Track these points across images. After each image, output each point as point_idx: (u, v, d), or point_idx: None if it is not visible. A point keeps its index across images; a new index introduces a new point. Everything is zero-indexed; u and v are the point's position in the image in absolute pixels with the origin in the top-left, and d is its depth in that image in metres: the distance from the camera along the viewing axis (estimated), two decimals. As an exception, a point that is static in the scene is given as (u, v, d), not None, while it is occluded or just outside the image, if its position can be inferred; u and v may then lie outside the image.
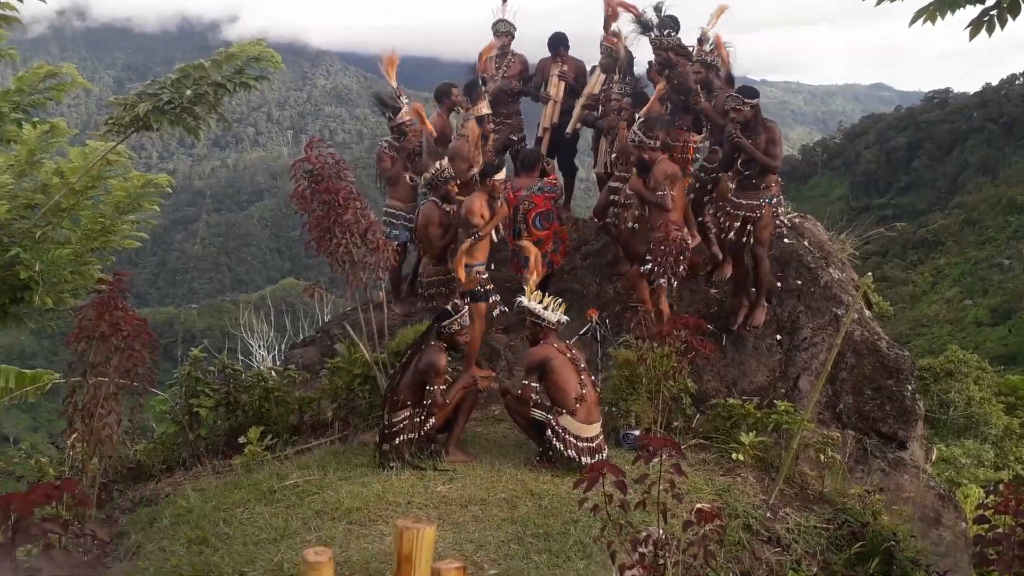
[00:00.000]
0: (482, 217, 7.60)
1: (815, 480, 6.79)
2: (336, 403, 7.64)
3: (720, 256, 8.49)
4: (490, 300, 7.80)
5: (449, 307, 6.73)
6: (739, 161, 7.79)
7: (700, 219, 8.57)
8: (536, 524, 5.52)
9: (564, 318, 6.70)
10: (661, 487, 3.89)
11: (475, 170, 8.10)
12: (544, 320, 6.57)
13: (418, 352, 6.56)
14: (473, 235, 7.61)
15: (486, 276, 7.83)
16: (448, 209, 8.15)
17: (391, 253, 7.30)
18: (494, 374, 8.12)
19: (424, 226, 8.19)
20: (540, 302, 6.62)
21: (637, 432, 6.87)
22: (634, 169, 7.92)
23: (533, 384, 6.48)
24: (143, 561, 5.34)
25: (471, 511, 5.72)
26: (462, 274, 7.48)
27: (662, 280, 7.45)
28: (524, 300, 6.65)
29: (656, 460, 3.87)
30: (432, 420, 6.45)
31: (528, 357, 6.50)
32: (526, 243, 7.80)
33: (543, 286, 7.74)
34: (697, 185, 8.55)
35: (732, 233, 7.94)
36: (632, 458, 4.20)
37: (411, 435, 6.42)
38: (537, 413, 6.50)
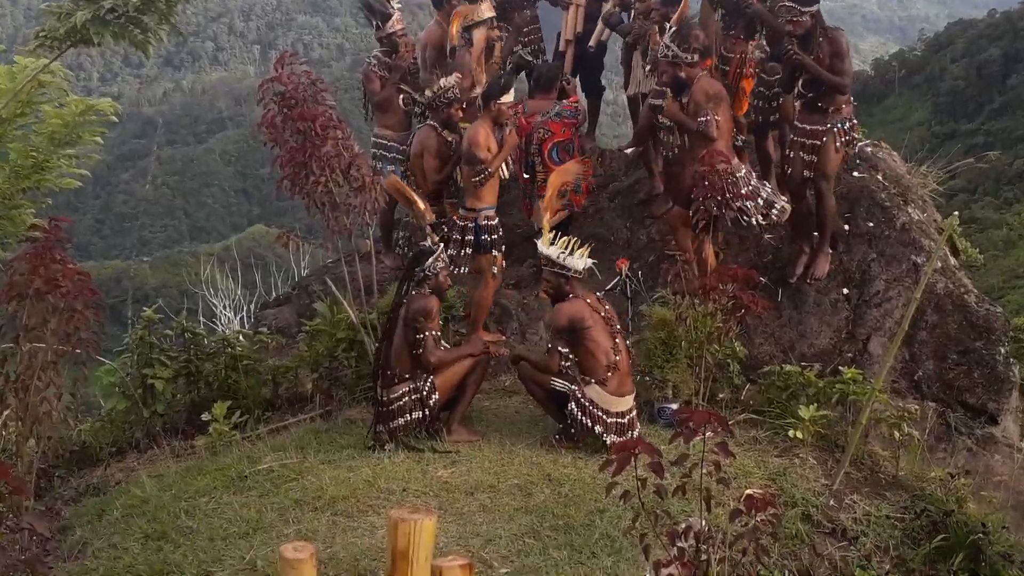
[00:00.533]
0: (488, 151, 7.59)
1: (888, 462, 6.85)
2: (317, 373, 7.70)
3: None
4: (500, 251, 7.85)
5: (425, 244, 6.79)
6: (800, 81, 7.82)
7: (761, 148, 8.64)
8: (555, 515, 5.58)
9: (590, 262, 6.74)
10: (704, 470, 3.94)
11: (477, 90, 8.16)
12: (568, 268, 6.53)
13: (399, 309, 6.62)
14: (481, 173, 7.62)
15: (496, 221, 7.86)
16: (449, 138, 8.18)
17: (380, 192, 7.29)
18: (504, 338, 8.16)
19: (418, 155, 8.26)
20: (558, 246, 6.61)
21: (675, 406, 6.94)
22: (668, 91, 7.92)
23: (561, 350, 6.53)
24: (91, 560, 5.39)
25: (478, 499, 5.80)
26: (412, 198, 7.47)
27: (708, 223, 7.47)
28: (540, 245, 6.65)
29: (698, 438, 3.92)
30: (436, 394, 6.53)
31: (557, 316, 6.49)
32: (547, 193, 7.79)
33: (562, 230, 7.72)
34: (757, 104, 8.60)
35: (792, 164, 7.95)
36: (669, 436, 4.22)
37: (416, 415, 6.52)
38: (558, 383, 6.60)
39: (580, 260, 6.56)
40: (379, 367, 6.55)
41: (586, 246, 6.67)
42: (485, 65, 8.53)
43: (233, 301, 12.12)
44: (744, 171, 7.63)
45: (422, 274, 6.63)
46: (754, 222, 7.51)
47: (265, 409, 7.61)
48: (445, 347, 6.73)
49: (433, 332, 6.50)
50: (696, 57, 7.61)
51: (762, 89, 8.56)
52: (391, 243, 9.14)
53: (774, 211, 7.64)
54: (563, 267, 6.53)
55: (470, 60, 8.44)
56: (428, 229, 7.45)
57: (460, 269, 7.61)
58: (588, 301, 6.52)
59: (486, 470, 6.20)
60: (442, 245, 6.92)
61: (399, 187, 7.66)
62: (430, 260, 6.64)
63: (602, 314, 6.54)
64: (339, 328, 7.59)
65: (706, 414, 3.84)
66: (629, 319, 7.74)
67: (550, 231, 6.81)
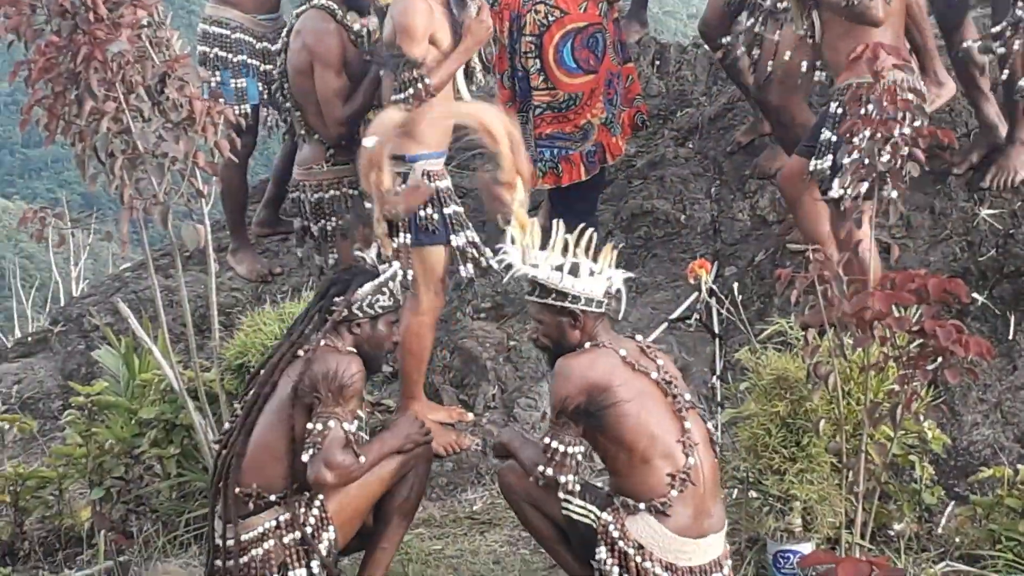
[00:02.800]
0: (433, 45, 7.10)
1: None
2: (101, 489, 7.07)
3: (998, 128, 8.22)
4: (459, 240, 7.33)
5: (364, 256, 6.49)
6: None
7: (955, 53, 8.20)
8: None
9: (620, 280, 6.13)
10: None
11: None
12: (576, 297, 5.98)
13: (281, 371, 6.05)
14: (413, 84, 7.04)
15: (446, 183, 7.30)
16: (361, 27, 7.90)
17: (224, 132, 6.58)
18: (469, 416, 7.72)
19: (303, 70, 7.81)
20: (553, 249, 6.04)
21: (807, 548, 6.29)
22: None
23: (571, 445, 5.89)
24: None
25: None
26: (382, 180, 6.99)
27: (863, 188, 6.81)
28: (517, 260, 6.13)
29: None
30: (331, 529, 5.91)
31: (560, 383, 5.94)
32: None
33: (572, 210, 7.39)
34: None
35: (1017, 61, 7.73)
36: None
37: (287, 573, 5.95)
38: (576, 507, 5.85)
39: (595, 279, 5.99)
40: (222, 479, 5.98)
41: (610, 246, 6.03)
42: None
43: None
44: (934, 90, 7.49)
45: (345, 311, 6.06)
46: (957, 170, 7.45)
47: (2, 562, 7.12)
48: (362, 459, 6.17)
49: (345, 424, 5.92)
50: None
51: None
52: (244, 231, 8.94)
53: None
54: (565, 295, 5.96)
55: None
56: (382, 229, 7.04)
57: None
58: (622, 353, 5.95)
59: None
60: (396, 267, 6.42)
61: (375, 158, 7.10)
62: (366, 288, 6.10)
63: (653, 376, 5.91)
64: (144, 400, 7.08)
65: (868, 564, 3.83)
66: (716, 377, 7.35)
67: (530, 213, 6.49)
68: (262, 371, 6.15)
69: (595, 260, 6.03)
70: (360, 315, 6.12)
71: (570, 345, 5.94)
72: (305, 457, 5.80)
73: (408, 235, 7.15)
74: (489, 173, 6.90)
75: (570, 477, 5.81)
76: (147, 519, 6.99)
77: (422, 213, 7.17)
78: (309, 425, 5.82)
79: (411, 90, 7.05)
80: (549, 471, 5.82)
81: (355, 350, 6.10)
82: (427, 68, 7.10)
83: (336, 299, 6.12)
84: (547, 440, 5.83)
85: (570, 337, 5.93)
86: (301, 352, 6.09)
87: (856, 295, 6.05)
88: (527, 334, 6.71)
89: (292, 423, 5.90)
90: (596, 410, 5.73)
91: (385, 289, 6.19)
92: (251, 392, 6.13)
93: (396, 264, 6.44)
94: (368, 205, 7.36)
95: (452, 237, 7.24)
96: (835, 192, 6.85)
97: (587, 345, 5.90)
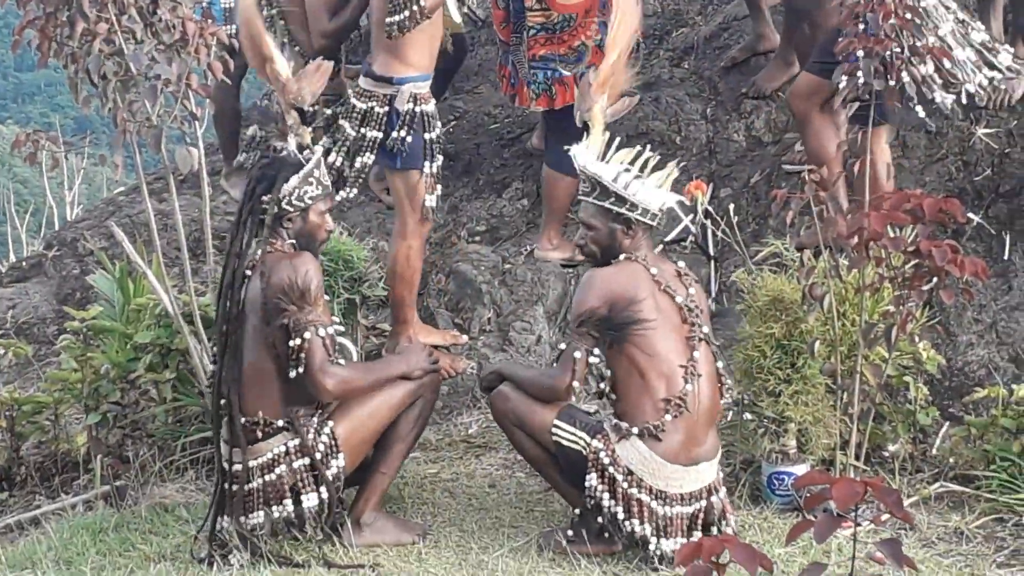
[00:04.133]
0: None
1: None
2: (97, 414, 7.07)
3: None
4: (432, 167, 7.40)
5: (285, 145, 6.57)
6: None
7: None
8: None
9: (675, 199, 6.30)
10: (861, 598, 3.80)
11: None
12: (635, 206, 6.05)
13: (238, 288, 6.08)
14: (404, 7, 7.11)
15: (432, 105, 7.37)
16: None
17: (216, 53, 6.59)
18: (465, 339, 7.82)
19: None
20: (619, 158, 6.17)
21: (801, 469, 6.39)
22: None
23: (586, 356, 5.95)
24: None
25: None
26: (277, 70, 6.89)
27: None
28: (584, 156, 6.20)
29: (847, 530, 4.24)
30: (340, 455, 5.96)
31: (585, 289, 6.09)
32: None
33: (566, 134, 7.21)
34: None
35: None
36: (790, 527, 3.65)
37: (305, 500, 6.00)
38: (565, 432, 5.96)
39: (659, 191, 6.10)
40: (222, 405, 6.01)
41: (673, 165, 6.24)
42: None
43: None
44: None
45: (276, 209, 6.02)
46: (956, 95, 6.91)
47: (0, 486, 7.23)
48: (344, 359, 6.26)
49: (321, 325, 5.92)
50: None
51: None
52: (238, 152, 8.88)
53: (999, 67, 7.10)
54: (623, 200, 6.04)
55: None
56: (293, 118, 6.86)
57: (348, 191, 7.39)
58: (654, 272, 6.02)
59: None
60: (319, 149, 6.41)
61: (255, 33, 7.08)
62: (292, 181, 6.03)
63: (678, 300, 5.99)
64: (140, 325, 7.06)
65: (861, 484, 3.48)
66: (712, 299, 7.41)
67: (603, 131, 6.47)
68: (221, 297, 6.16)
69: (654, 176, 6.13)
70: (291, 209, 6.13)
71: (616, 254, 6.06)
72: (293, 374, 5.86)
73: (375, 157, 7.25)
74: (588, 72, 7.15)
75: (576, 387, 5.92)
76: (143, 444, 7.03)
77: (397, 136, 7.21)
78: (291, 342, 5.83)
79: (406, 12, 7.06)
80: (566, 378, 5.92)
81: (296, 242, 6.12)
82: None
83: (264, 197, 6.11)
84: (566, 344, 6.01)
85: (620, 246, 6.05)
86: (248, 269, 6.07)
87: (853, 216, 6.07)
88: (575, 239, 6.78)
89: (274, 344, 5.92)
90: (617, 322, 5.86)
91: (311, 179, 6.17)
92: (223, 312, 6.12)
93: (319, 151, 6.42)
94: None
95: (425, 163, 7.28)
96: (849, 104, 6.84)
97: (621, 258, 6.02)
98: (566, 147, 6.50)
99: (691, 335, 5.99)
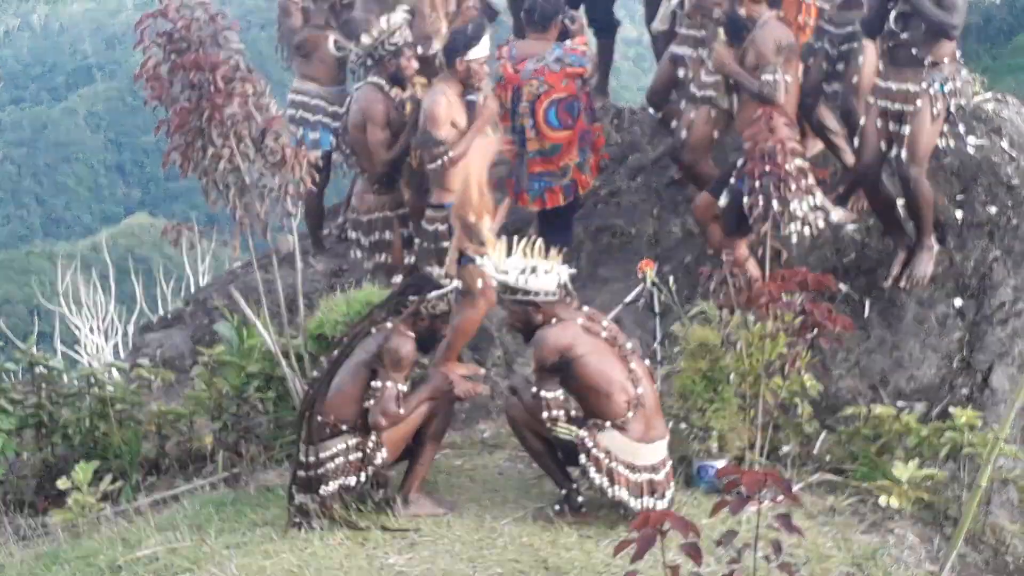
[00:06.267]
0: (453, 125, 7.78)
1: (1018, 539, 6.90)
2: (219, 422, 7.90)
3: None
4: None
5: (436, 273, 7.09)
6: (895, 13, 7.95)
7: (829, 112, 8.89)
8: (554, 619, 5.65)
9: (565, 274, 6.76)
10: (759, 553, 4.03)
11: (436, 44, 8.33)
12: (538, 294, 6.63)
13: (359, 340, 6.76)
14: (439, 158, 7.80)
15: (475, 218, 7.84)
16: (401, 98, 8.35)
17: (306, 170, 7.40)
18: (482, 371, 8.33)
19: (359, 126, 8.37)
20: (511, 262, 6.72)
21: (721, 463, 7.05)
22: (720, 31, 8.09)
23: (552, 393, 6.65)
24: None
25: (445, 599, 5.83)
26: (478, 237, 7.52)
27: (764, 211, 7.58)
28: (491, 269, 6.82)
29: (752, 508, 4.02)
30: (384, 451, 6.66)
31: (538, 350, 6.63)
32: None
33: (553, 226, 7.92)
34: (816, 47, 8.78)
35: (864, 139, 8.16)
36: (712, 504, 4.27)
37: (350, 479, 6.68)
38: (563, 430, 6.68)
39: (549, 275, 6.65)
40: (307, 407, 6.73)
41: (557, 250, 6.73)
42: (455, 8, 8.72)
43: (103, 321, 12.09)
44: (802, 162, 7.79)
45: (414, 308, 6.78)
46: (798, 232, 7.62)
47: (147, 472, 7.81)
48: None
49: (399, 385, 6.66)
50: None
51: (824, 45, 8.74)
52: (322, 239, 9.35)
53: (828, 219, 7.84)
54: (527, 292, 6.63)
55: None
56: (454, 256, 7.63)
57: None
58: (580, 322, 6.65)
59: (457, 556, 6.22)
60: (455, 284, 7.13)
61: (465, 216, 7.62)
62: (435, 294, 6.81)
63: (603, 335, 6.65)
64: (251, 359, 7.75)
65: (763, 475, 3.93)
66: (657, 343, 7.82)
67: (498, 238, 7.02)
68: (344, 338, 6.83)
69: (542, 265, 6.64)
70: (425, 312, 6.78)
71: (536, 327, 6.61)
72: (366, 405, 6.62)
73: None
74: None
75: (558, 413, 6.58)
76: (252, 443, 7.79)
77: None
78: (374, 383, 6.60)
79: (440, 161, 7.75)
80: (546, 414, 6.57)
81: (414, 335, 6.73)
82: (450, 144, 7.72)
83: (411, 297, 6.78)
84: (535, 389, 6.63)
85: (534, 321, 6.62)
86: (375, 329, 6.74)
87: (757, 284, 7.07)
88: (504, 321, 7.39)
89: (364, 378, 6.64)
90: (566, 364, 6.51)
91: (445, 298, 6.86)
92: (335, 352, 6.81)
93: (456, 282, 7.12)
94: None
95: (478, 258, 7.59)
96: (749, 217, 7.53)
97: (553, 321, 6.58)
98: (554, 235, 7.27)
99: (623, 354, 6.59)
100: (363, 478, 6.68)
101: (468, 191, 7.59)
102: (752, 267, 7.81)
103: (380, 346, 6.63)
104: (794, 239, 7.68)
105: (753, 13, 7.85)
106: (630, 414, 6.54)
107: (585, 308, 6.83)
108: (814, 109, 8.78)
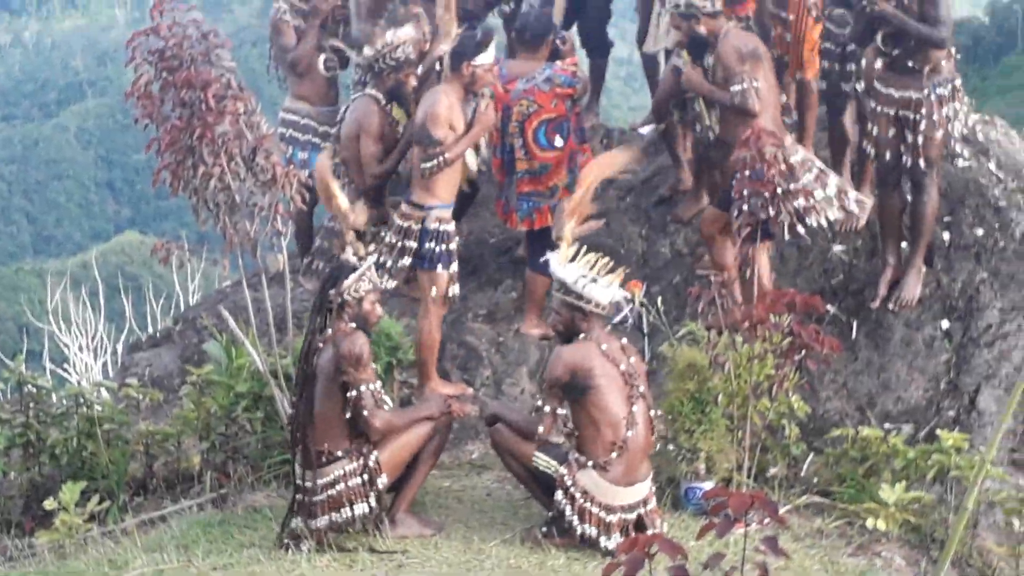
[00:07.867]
0: (451, 129, 7.79)
1: (1005, 562, 6.89)
2: (207, 442, 7.87)
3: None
4: (454, 268, 8.03)
5: (346, 257, 7.02)
6: (881, 34, 8.03)
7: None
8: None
9: (621, 295, 6.89)
10: (746, 576, 3.93)
11: (444, 47, 8.29)
12: (588, 300, 6.66)
13: (311, 354, 6.75)
14: (435, 158, 7.77)
15: (450, 226, 7.99)
16: (396, 115, 8.36)
17: (297, 189, 7.40)
18: (470, 391, 8.33)
19: (353, 137, 8.33)
20: (580, 265, 6.74)
21: (708, 485, 7.04)
22: (684, 53, 8.14)
23: (554, 409, 6.64)
24: None
25: (432, 620, 5.94)
26: (339, 204, 7.60)
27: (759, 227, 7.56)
28: (555, 263, 6.80)
29: (739, 530, 3.99)
30: (383, 476, 6.63)
31: (554, 363, 6.65)
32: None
33: (542, 246, 7.85)
34: (824, 65, 8.87)
35: (877, 145, 8.16)
36: (699, 527, 4.19)
37: (360, 508, 6.64)
38: (541, 461, 6.70)
39: (608, 290, 6.68)
40: (297, 438, 6.72)
41: (619, 271, 6.78)
42: (451, 14, 8.60)
43: (92, 339, 12.06)
44: (801, 155, 7.83)
45: (339, 300, 6.72)
46: (818, 222, 7.69)
47: (134, 493, 7.75)
48: (388, 406, 6.86)
49: (371, 385, 6.62)
50: (719, 4, 7.83)
51: (829, 45, 8.79)
52: (311, 258, 9.21)
53: (848, 204, 7.81)
54: (581, 296, 6.65)
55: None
56: (350, 236, 7.58)
57: (384, 281, 7.70)
58: (604, 347, 6.63)
59: (444, 578, 6.21)
60: (369, 259, 7.08)
61: (325, 179, 7.70)
62: (350, 279, 6.73)
63: (622, 368, 6.64)
64: (239, 378, 7.73)
65: (750, 497, 3.87)
66: (645, 363, 7.71)
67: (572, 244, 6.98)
68: (301, 361, 6.82)
69: (605, 279, 6.69)
70: (349, 300, 6.68)
71: (577, 333, 6.63)
72: (348, 416, 6.54)
73: (411, 258, 7.83)
74: (562, 202, 7.97)
75: (551, 428, 6.58)
76: (240, 463, 7.70)
77: (427, 247, 7.85)
78: (349, 394, 6.51)
79: (435, 161, 7.74)
80: (540, 428, 6.57)
81: (354, 325, 6.68)
82: (446, 146, 7.74)
83: (330, 291, 6.71)
84: (540, 403, 6.63)
85: (578, 328, 6.63)
86: (321, 344, 6.68)
87: (746, 305, 7.11)
88: (548, 319, 7.34)
89: (340, 396, 6.57)
90: (575, 386, 6.50)
91: (364, 277, 6.73)
92: (301, 380, 6.77)
93: (370, 259, 7.02)
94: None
95: (452, 265, 7.92)
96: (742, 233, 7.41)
97: (580, 337, 6.61)
98: (543, 257, 7.16)
99: (631, 394, 6.58)
100: (364, 507, 6.64)
101: (584, 195, 7.53)
102: (765, 275, 7.84)
103: (335, 356, 6.58)
104: (820, 222, 7.76)
105: (713, 29, 7.84)
106: (614, 455, 6.55)
107: (623, 340, 6.89)
108: (842, 113, 8.92)
